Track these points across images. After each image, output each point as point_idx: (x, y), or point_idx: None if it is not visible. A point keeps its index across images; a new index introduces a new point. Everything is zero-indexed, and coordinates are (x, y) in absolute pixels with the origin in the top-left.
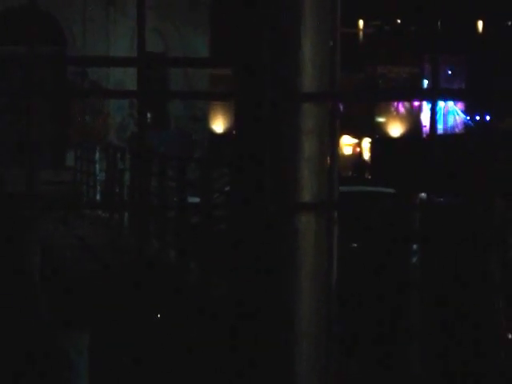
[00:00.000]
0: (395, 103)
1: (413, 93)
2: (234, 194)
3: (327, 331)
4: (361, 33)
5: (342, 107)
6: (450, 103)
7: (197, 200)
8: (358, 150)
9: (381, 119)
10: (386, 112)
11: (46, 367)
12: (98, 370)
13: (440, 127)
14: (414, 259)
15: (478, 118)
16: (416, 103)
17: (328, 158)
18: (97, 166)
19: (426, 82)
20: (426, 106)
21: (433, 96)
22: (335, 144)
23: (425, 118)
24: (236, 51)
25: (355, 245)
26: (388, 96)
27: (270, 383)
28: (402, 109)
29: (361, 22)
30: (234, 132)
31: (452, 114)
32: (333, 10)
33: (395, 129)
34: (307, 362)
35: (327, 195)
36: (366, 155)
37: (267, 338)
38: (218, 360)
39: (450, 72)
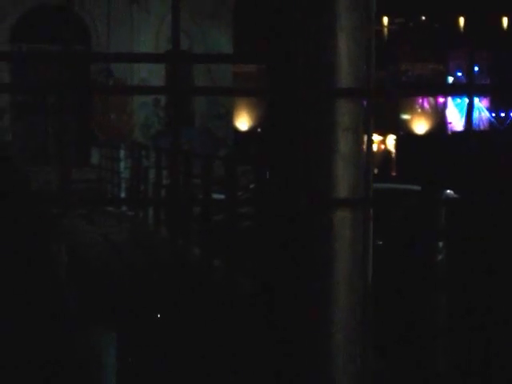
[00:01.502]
0: (420, 100)
1: (449, 88)
2: (269, 191)
3: (364, 330)
4: (385, 30)
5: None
6: (475, 100)
7: (222, 197)
8: (383, 147)
9: (405, 116)
10: (410, 109)
11: (74, 366)
12: (126, 368)
13: (462, 124)
14: (441, 256)
15: (502, 114)
16: (441, 100)
17: (363, 155)
18: (121, 163)
19: (450, 79)
20: (451, 103)
21: (469, 91)
22: (370, 140)
23: (450, 115)
24: (270, 48)
25: (380, 242)
26: (424, 91)
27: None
28: (426, 105)
29: (385, 19)
30: (259, 130)
31: (476, 110)
32: (368, 7)
33: (420, 125)
34: (343, 356)
35: (363, 191)
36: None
37: (300, 339)
38: (246, 359)
39: (476, 69)
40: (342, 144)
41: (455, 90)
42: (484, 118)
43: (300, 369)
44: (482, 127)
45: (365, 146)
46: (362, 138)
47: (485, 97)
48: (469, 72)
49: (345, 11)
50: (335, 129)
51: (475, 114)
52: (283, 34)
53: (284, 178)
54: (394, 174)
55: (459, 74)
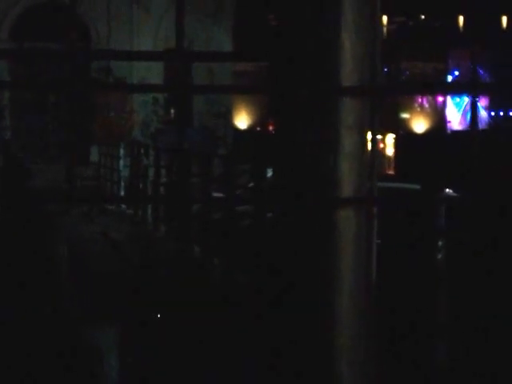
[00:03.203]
0: (419, 99)
1: (453, 86)
2: (277, 189)
3: (368, 325)
4: (385, 29)
5: None
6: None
7: (220, 195)
8: (382, 146)
9: (405, 115)
10: (409, 108)
11: (77, 362)
12: (128, 364)
13: (459, 122)
14: (440, 255)
15: (501, 113)
16: (440, 99)
17: (368, 153)
18: (121, 161)
19: (450, 78)
20: (450, 102)
21: (473, 89)
22: (375, 139)
23: (449, 114)
24: (274, 46)
25: (379, 241)
26: (427, 89)
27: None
28: (426, 104)
29: (384, 18)
30: (258, 128)
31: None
32: (373, 5)
33: (419, 125)
34: (348, 359)
35: (367, 190)
36: (390, 151)
37: (306, 332)
38: (246, 354)
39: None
40: (347, 143)
41: (459, 89)
42: (483, 118)
43: (303, 367)
44: (480, 126)
45: (369, 145)
46: (367, 137)
47: (484, 96)
48: (472, 71)
49: (350, 8)
50: (339, 127)
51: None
52: (286, 31)
53: (289, 177)
54: (392, 172)
55: (456, 72)
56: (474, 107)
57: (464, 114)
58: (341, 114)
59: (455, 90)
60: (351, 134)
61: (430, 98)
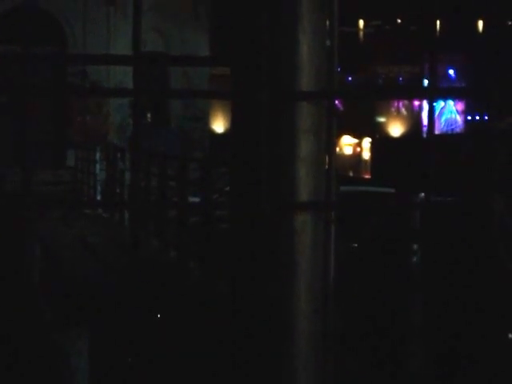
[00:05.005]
0: (396, 103)
1: (410, 91)
2: (233, 194)
3: (326, 332)
4: (361, 32)
5: (342, 107)
6: (450, 103)
7: (197, 200)
8: (359, 149)
9: (381, 119)
10: (386, 112)
11: (45, 368)
12: (98, 370)
13: (435, 126)
14: (415, 259)
15: (477, 118)
16: (416, 103)
17: (325, 158)
18: (97, 165)
19: (426, 82)
20: (427, 106)
21: (430, 94)
22: (332, 143)
23: (425, 118)
24: (233, 50)
25: (355, 245)
26: (385, 95)
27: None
28: (402, 108)
29: (361, 22)
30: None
31: (448, 113)
32: (331, 9)
33: (396, 128)
34: (304, 363)
35: (324, 195)
36: (366, 155)
37: (263, 338)
38: (218, 360)
39: (451, 72)
40: (303, 147)
41: (417, 94)
42: (458, 122)
43: (261, 375)
44: (458, 130)
45: (327, 149)
46: (324, 141)
47: (459, 100)
48: (431, 75)
49: (307, 13)
50: (296, 132)
51: (450, 117)
52: (243, 36)
53: (246, 181)
54: (369, 176)
55: None
56: (430, 112)
57: (439, 118)
58: (297, 119)
59: (411, 94)
60: (308, 138)
61: (406, 102)
